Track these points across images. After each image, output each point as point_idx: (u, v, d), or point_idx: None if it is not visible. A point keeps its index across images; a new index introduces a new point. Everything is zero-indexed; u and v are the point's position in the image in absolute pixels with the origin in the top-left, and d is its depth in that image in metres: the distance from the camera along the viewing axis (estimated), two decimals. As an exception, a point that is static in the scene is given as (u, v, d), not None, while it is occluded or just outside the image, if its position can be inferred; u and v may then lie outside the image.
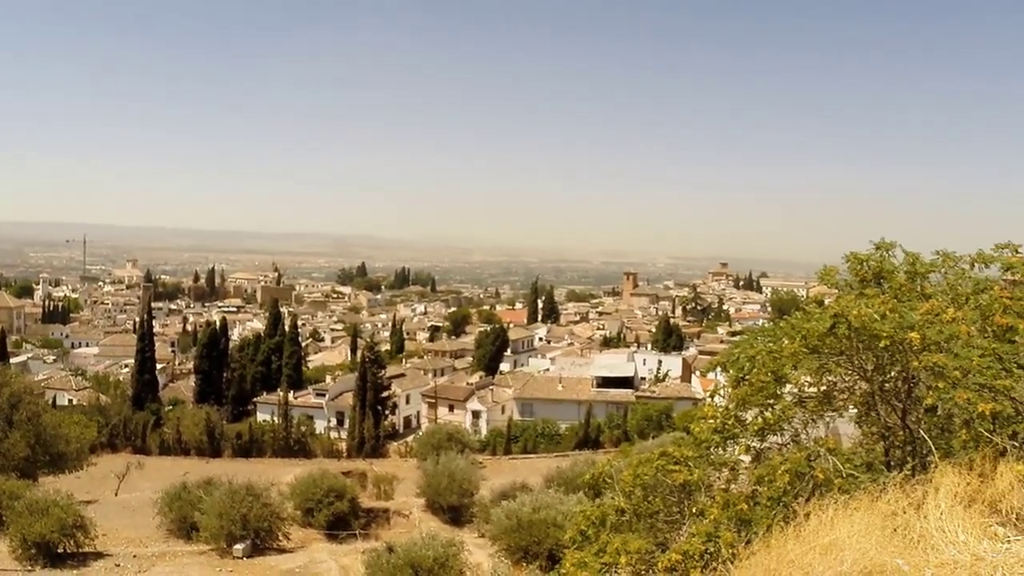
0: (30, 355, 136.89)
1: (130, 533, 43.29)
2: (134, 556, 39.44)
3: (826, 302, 12.05)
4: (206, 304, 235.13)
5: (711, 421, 11.55)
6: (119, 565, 37.99)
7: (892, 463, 10.60)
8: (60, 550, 38.12)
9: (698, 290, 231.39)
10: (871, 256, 12.84)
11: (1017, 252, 11.61)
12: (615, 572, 10.26)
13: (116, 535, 42.32)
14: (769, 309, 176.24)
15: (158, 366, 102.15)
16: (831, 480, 9.28)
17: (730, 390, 11.74)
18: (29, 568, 36.20)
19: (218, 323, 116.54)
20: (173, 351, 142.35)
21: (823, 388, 11.71)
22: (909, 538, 6.29)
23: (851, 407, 11.97)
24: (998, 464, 7.85)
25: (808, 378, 11.56)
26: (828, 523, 6.53)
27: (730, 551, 8.40)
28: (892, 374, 10.93)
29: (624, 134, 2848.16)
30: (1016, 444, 9.07)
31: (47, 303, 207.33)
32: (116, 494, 54.10)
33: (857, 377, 11.37)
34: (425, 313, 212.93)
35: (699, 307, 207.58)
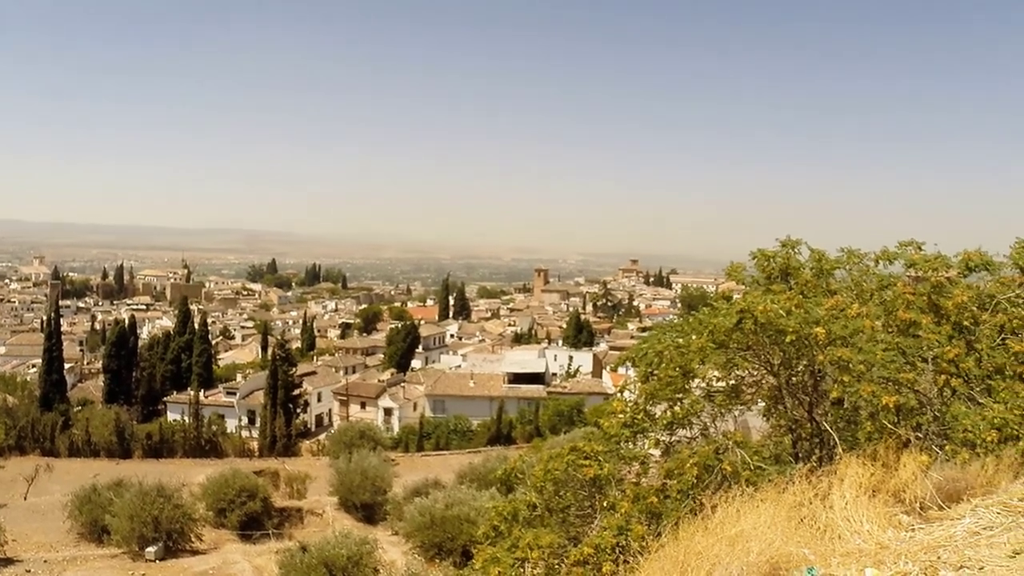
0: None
1: (40, 538, 42.65)
2: (45, 561, 39.06)
3: (734, 298, 12.21)
4: (115, 302, 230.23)
5: (620, 416, 11.64)
6: (29, 571, 37.68)
7: (800, 455, 10.78)
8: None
9: (608, 287, 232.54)
10: (777, 253, 13.06)
11: (920, 249, 11.88)
12: (527, 567, 10.28)
13: (26, 540, 41.76)
14: (679, 305, 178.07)
15: (66, 365, 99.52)
16: (739, 472, 9.41)
17: (639, 385, 11.85)
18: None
19: (127, 321, 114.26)
20: (82, 350, 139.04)
21: (731, 382, 11.86)
22: (815, 528, 6.40)
23: (759, 401, 12.14)
24: (901, 455, 8.02)
25: (716, 372, 11.70)
26: (735, 515, 6.62)
27: (640, 544, 8.46)
28: (799, 368, 11.11)
29: (535, 132, 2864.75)
30: (919, 435, 9.29)
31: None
32: (25, 498, 52.86)
33: (765, 371, 11.54)
34: (336, 310, 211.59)
35: (610, 303, 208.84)
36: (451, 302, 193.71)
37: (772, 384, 11.54)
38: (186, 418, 77.25)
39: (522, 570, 10.28)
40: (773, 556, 5.55)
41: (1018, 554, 6.01)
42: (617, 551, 9.11)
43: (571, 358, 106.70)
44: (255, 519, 45.27)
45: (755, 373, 11.80)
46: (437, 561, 30.18)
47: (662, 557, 6.53)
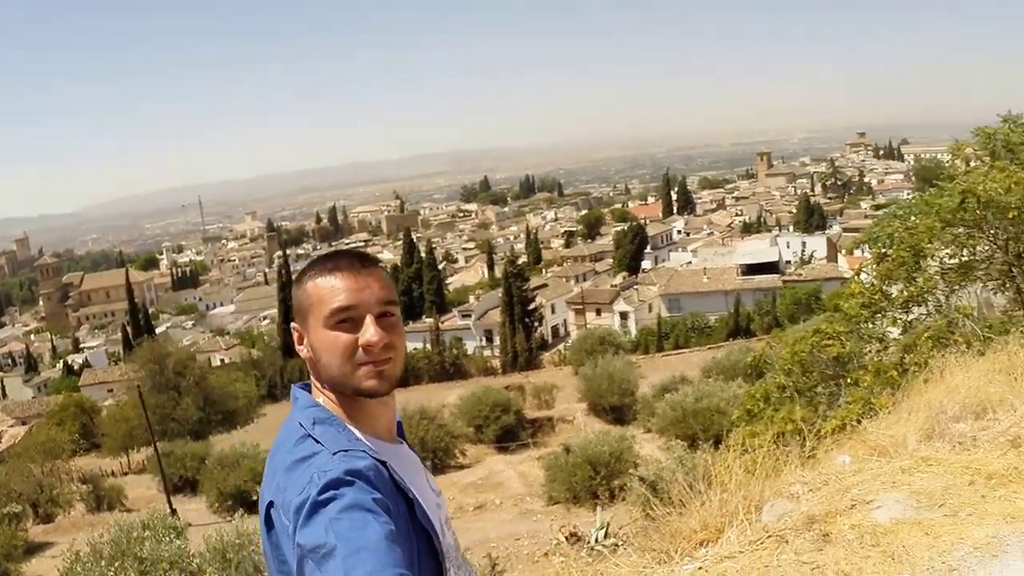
0: (168, 324, 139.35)
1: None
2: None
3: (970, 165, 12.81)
4: (332, 243, 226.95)
5: (859, 297, 12.51)
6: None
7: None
8: (254, 498, 40.59)
9: (836, 164, 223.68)
10: (998, 129, 13.55)
11: None
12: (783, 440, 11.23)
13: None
14: (913, 178, 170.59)
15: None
16: (971, 343, 10.20)
17: (874, 267, 12.72)
18: (229, 518, 38.70)
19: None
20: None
21: (963, 259, 12.51)
22: (1017, 376, 7.25)
23: (994, 276, 12.72)
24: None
25: (948, 250, 12.40)
26: (954, 372, 7.64)
27: (886, 413, 9.44)
28: (1025, 242, 11.67)
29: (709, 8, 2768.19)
30: None
31: (174, 270, 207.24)
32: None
33: (994, 247, 12.15)
34: (556, 219, 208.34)
35: (839, 182, 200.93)
36: (673, 197, 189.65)
37: (1002, 260, 12.13)
38: (426, 345, 79.92)
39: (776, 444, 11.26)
40: (980, 398, 6.58)
41: None
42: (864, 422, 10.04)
43: (804, 244, 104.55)
44: (510, 431, 47.22)
45: (986, 249, 12.40)
46: (694, 451, 31.36)
47: (897, 410, 7.63)
